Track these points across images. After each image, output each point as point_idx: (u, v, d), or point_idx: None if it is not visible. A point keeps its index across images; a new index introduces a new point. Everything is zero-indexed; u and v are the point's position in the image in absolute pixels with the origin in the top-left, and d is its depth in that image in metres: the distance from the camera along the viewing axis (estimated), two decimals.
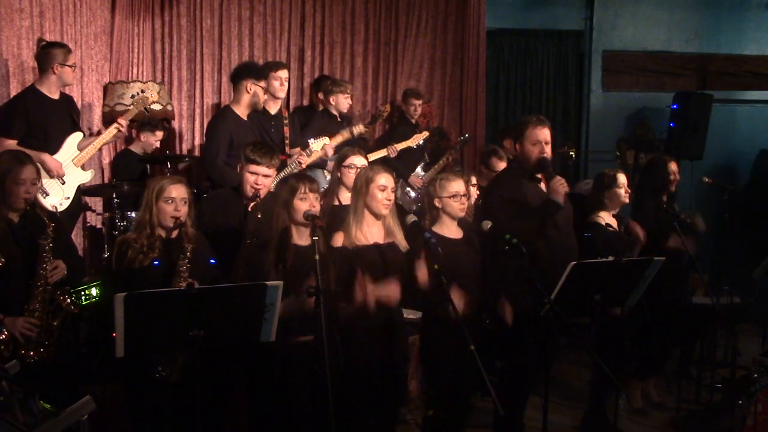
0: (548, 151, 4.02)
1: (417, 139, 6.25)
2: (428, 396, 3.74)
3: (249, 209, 3.82)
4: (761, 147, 8.07)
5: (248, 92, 4.86)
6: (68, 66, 4.86)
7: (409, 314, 3.85)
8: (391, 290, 3.38)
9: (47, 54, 4.85)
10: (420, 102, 6.77)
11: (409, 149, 6.31)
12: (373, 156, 5.72)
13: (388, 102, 7.24)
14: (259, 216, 3.68)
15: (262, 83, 4.90)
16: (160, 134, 6.00)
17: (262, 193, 3.79)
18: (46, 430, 2.34)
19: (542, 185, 4.05)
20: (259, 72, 4.90)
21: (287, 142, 5.46)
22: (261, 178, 3.78)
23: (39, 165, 4.61)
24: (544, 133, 4.01)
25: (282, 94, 5.46)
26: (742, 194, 6.63)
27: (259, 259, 3.32)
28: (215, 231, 3.71)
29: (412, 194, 6.50)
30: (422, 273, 3.43)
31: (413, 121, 6.74)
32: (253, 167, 3.76)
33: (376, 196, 3.48)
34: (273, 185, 4.94)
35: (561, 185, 3.86)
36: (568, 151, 6.93)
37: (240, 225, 3.79)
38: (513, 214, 3.84)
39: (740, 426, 3.82)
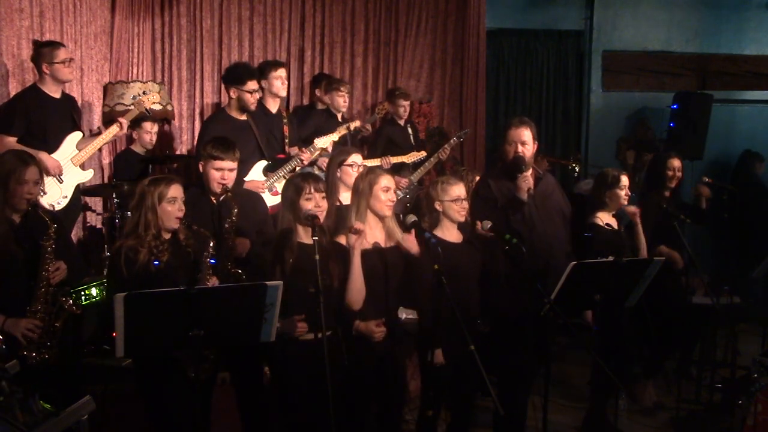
0: (526, 150, 4.05)
1: (413, 157, 6.15)
2: (428, 396, 3.73)
3: (221, 201, 3.79)
4: (761, 147, 8.06)
5: (233, 97, 4.87)
6: (57, 63, 4.80)
7: (409, 314, 3.84)
8: (377, 331, 3.41)
9: (36, 54, 4.87)
10: (408, 102, 6.57)
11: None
12: (368, 164, 5.68)
13: (385, 101, 7.20)
14: (236, 210, 3.68)
15: (249, 85, 4.87)
16: (150, 126, 5.95)
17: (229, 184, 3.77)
18: (46, 430, 2.34)
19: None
20: (241, 77, 4.88)
21: (287, 141, 5.47)
22: (227, 172, 3.76)
23: None
24: (519, 133, 4.06)
25: (284, 93, 5.49)
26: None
27: (263, 257, 3.32)
28: None
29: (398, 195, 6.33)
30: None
31: (401, 122, 6.62)
32: (218, 163, 3.73)
33: (380, 198, 3.48)
34: (274, 184, 4.98)
35: (524, 182, 3.94)
36: (572, 164, 6.88)
37: (210, 222, 3.77)
38: (481, 211, 3.89)
39: (740, 426, 3.83)
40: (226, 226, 3.69)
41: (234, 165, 3.81)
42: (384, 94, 7.35)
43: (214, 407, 3.53)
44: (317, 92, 6.31)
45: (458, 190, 3.68)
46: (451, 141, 6.51)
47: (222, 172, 3.75)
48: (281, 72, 5.38)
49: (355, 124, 5.68)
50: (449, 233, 3.71)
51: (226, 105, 5.07)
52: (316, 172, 5.32)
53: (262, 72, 5.34)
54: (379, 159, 5.95)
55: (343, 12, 7.22)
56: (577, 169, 7.04)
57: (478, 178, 4.82)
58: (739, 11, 8.28)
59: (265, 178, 5.05)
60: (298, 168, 5.13)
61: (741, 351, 4.97)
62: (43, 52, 4.84)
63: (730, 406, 4.28)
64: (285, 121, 5.51)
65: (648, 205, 4.86)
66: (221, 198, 3.77)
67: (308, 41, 7.17)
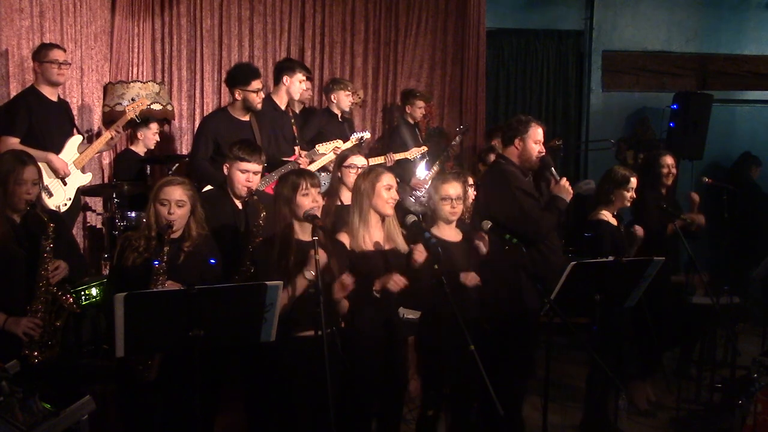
0: (543, 150, 4.09)
1: (415, 153, 6.19)
2: (428, 396, 3.73)
3: (248, 207, 3.81)
4: (761, 147, 8.06)
5: (237, 98, 4.86)
6: (47, 62, 4.81)
7: (409, 314, 3.85)
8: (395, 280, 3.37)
9: (34, 53, 4.90)
10: (424, 104, 6.74)
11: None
12: (371, 162, 5.70)
13: (360, 90, 7.21)
14: (264, 214, 3.69)
15: (254, 85, 4.85)
16: (154, 126, 6.01)
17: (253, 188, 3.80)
18: (46, 430, 2.34)
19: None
20: (245, 77, 4.86)
21: (297, 141, 5.45)
22: (251, 175, 3.77)
23: (45, 164, 4.67)
24: (542, 134, 4.08)
25: (298, 96, 5.52)
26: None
27: (263, 255, 3.33)
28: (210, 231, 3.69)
29: (415, 197, 6.41)
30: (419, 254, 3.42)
31: (412, 122, 6.70)
32: (244, 165, 3.74)
33: (383, 196, 3.47)
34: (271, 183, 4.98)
35: (567, 183, 3.97)
36: (557, 144, 6.83)
37: (233, 224, 3.79)
38: (536, 206, 3.90)
39: (740, 426, 3.82)
40: (253, 229, 3.70)
41: (259, 168, 3.82)
42: (384, 94, 7.40)
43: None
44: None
45: (450, 189, 3.65)
46: (456, 138, 6.59)
47: (247, 174, 3.76)
48: (304, 76, 5.41)
49: (366, 135, 5.69)
50: (446, 232, 3.69)
51: (228, 105, 5.05)
52: (323, 175, 5.33)
53: (287, 68, 5.34)
54: (382, 156, 5.97)
55: (343, 12, 7.23)
56: (561, 145, 6.89)
57: (471, 179, 4.80)
58: (739, 11, 8.28)
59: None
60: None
61: (741, 351, 4.97)
62: (38, 50, 4.87)
63: (730, 406, 4.27)
64: (292, 120, 5.51)
65: (646, 204, 4.85)
66: (247, 200, 3.78)
67: (308, 41, 7.17)
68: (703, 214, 5.12)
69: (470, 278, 3.62)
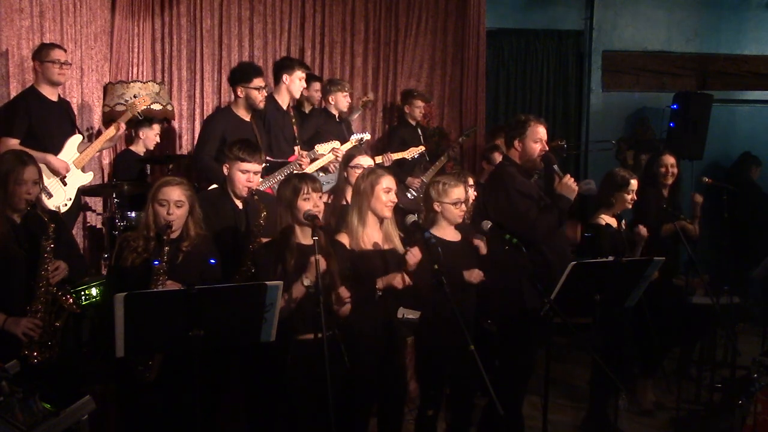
0: (546, 148, 4.05)
1: (413, 152, 6.17)
2: (428, 396, 3.73)
3: (249, 206, 3.82)
4: (761, 147, 8.06)
5: (240, 96, 4.87)
6: (48, 62, 4.80)
7: (409, 314, 3.85)
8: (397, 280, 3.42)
9: (35, 52, 4.89)
10: (423, 104, 6.76)
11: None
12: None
13: (370, 92, 7.21)
14: (265, 214, 3.69)
15: (256, 83, 4.86)
16: (157, 127, 6.02)
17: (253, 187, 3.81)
18: (46, 430, 2.34)
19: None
20: (248, 74, 4.87)
21: (297, 141, 5.45)
22: (252, 175, 3.78)
23: (44, 165, 4.66)
24: (544, 131, 4.04)
25: (298, 95, 5.51)
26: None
27: (264, 258, 3.33)
28: (210, 231, 3.69)
29: (411, 195, 6.42)
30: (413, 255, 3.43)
31: (413, 123, 6.71)
32: (245, 165, 3.75)
33: (381, 198, 3.49)
34: (273, 185, 4.98)
35: (574, 183, 3.91)
36: (560, 144, 6.84)
37: (233, 223, 3.79)
38: (534, 207, 3.87)
39: (740, 426, 3.82)
40: (254, 229, 3.71)
41: (259, 168, 3.84)
42: (384, 95, 7.40)
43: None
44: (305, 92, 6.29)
45: (458, 192, 3.67)
46: (460, 139, 6.60)
47: (248, 174, 3.77)
48: (303, 74, 5.39)
49: (366, 136, 5.69)
50: (446, 232, 3.70)
51: (231, 103, 5.06)
52: (322, 175, 5.34)
53: (285, 66, 5.32)
54: (380, 156, 5.97)
55: (343, 12, 7.22)
56: (564, 145, 6.85)
57: (471, 179, 4.80)
58: (739, 11, 8.29)
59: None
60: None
61: (741, 351, 4.97)
62: (39, 49, 4.87)
63: (730, 406, 4.28)
64: (293, 120, 5.51)
65: (647, 203, 4.85)
66: (247, 200, 3.79)
67: (308, 41, 7.17)
68: (699, 220, 5.12)
69: (475, 275, 3.64)
